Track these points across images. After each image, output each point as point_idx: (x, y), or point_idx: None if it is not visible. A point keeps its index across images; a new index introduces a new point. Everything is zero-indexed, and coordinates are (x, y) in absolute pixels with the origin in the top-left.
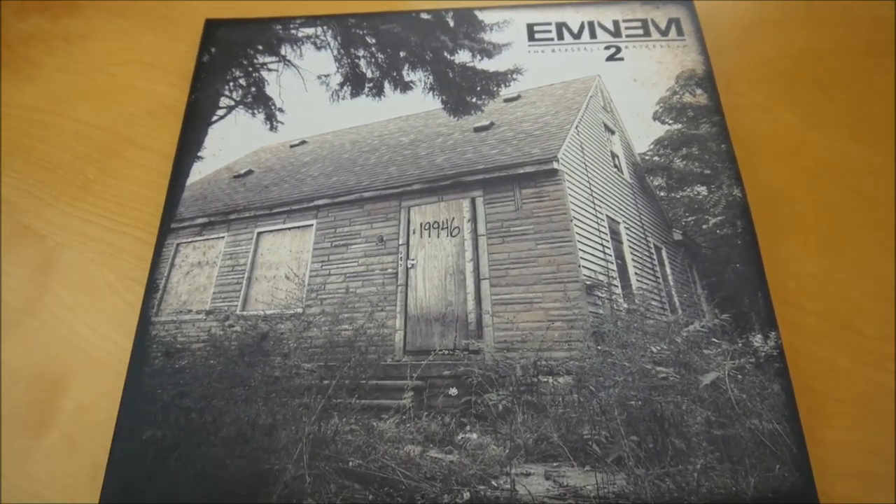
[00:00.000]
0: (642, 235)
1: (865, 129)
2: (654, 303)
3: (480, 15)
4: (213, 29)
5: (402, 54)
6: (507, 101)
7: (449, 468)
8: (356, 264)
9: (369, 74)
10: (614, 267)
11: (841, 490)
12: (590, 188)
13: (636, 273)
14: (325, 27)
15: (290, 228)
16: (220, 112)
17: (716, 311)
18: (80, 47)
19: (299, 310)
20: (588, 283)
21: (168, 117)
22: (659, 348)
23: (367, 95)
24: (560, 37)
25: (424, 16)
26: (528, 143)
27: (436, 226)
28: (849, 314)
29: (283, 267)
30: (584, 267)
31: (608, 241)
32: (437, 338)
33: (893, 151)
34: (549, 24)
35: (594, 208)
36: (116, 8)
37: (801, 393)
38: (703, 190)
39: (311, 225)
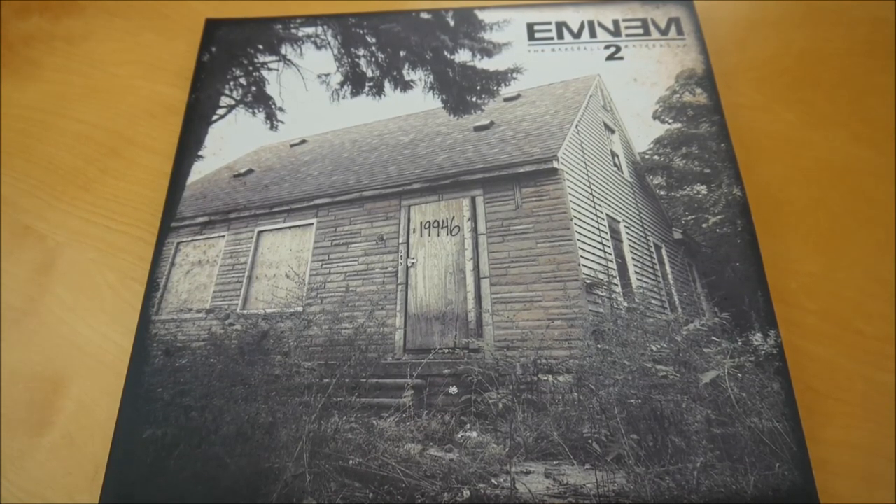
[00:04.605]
0: (642, 234)
1: (865, 129)
2: (653, 301)
3: (480, 14)
4: (213, 28)
5: (402, 54)
6: (506, 100)
7: (449, 466)
8: (356, 263)
9: (369, 74)
10: (614, 266)
11: (841, 489)
12: (590, 187)
13: (636, 272)
14: (325, 27)
15: (290, 227)
16: (221, 111)
17: (715, 309)
18: (80, 47)
19: (299, 308)
20: (588, 281)
21: (168, 117)
22: (659, 347)
23: (368, 95)
24: (560, 36)
25: (424, 15)
26: (527, 142)
27: (436, 224)
28: (849, 314)
29: (283, 266)
30: (583, 266)
31: (608, 240)
32: (437, 336)
33: (893, 151)
34: (549, 23)
35: (594, 207)
36: (117, 8)
37: (800, 392)
38: (702, 189)
39: (312, 224)
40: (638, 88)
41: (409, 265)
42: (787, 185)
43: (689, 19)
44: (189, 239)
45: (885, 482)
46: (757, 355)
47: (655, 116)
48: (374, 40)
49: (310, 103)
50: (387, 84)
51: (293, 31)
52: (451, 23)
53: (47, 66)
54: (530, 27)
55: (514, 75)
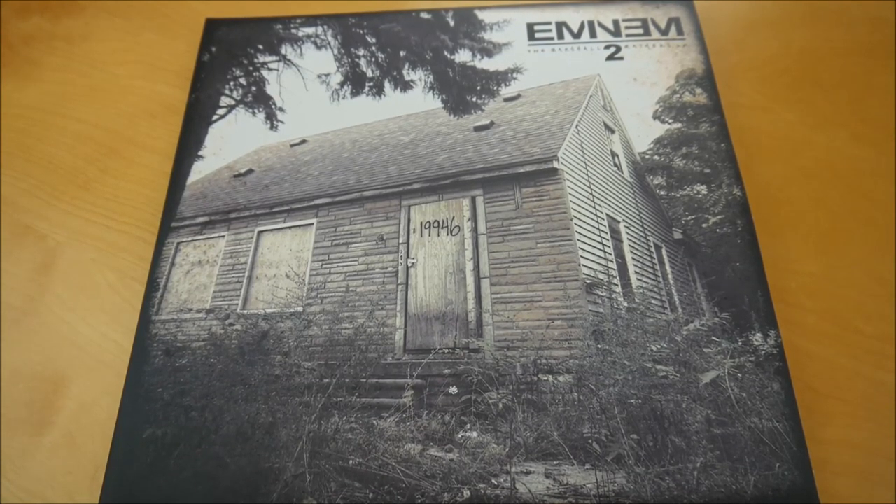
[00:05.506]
0: (642, 234)
1: (865, 129)
2: (653, 301)
3: (480, 14)
4: (213, 28)
5: (402, 54)
6: (507, 100)
7: (449, 466)
8: (356, 263)
9: (369, 74)
10: (614, 266)
11: (841, 489)
12: (590, 187)
13: (636, 272)
14: (325, 27)
15: (290, 227)
16: (221, 111)
17: (715, 309)
18: (80, 47)
19: (299, 308)
20: (588, 281)
21: (168, 117)
22: (659, 347)
23: (368, 95)
24: (560, 36)
25: (424, 15)
26: (528, 142)
27: (436, 224)
28: (849, 313)
29: (283, 266)
30: (584, 266)
31: (608, 240)
32: (437, 336)
33: (893, 151)
34: (549, 23)
35: (594, 207)
36: (117, 8)
37: (800, 392)
38: (702, 189)
39: (312, 224)
40: (638, 88)
41: (410, 265)
42: (787, 185)
43: (689, 19)
44: (189, 239)
45: (885, 482)
46: (757, 355)
47: (655, 116)
48: (374, 40)
49: (310, 103)
50: (387, 84)
51: (293, 31)
52: (451, 23)
53: (47, 66)
54: (530, 27)
55: (514, 75)
